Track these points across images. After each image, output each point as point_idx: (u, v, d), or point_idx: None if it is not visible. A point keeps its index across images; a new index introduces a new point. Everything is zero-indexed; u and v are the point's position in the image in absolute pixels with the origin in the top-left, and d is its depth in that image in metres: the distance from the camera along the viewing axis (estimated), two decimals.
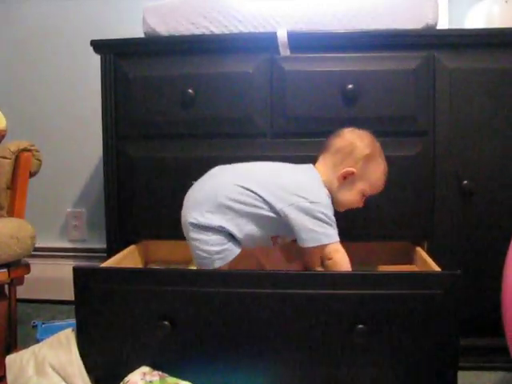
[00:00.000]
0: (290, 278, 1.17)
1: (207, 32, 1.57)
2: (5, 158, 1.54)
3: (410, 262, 1.54)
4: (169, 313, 1.19)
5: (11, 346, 1.52)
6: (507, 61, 1.48)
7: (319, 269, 1.40)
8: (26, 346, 1.35)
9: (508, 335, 1.16)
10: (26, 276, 1.54)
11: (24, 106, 2.21)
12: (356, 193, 1.37)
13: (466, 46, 1.49)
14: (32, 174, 1.61)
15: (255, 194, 1.28)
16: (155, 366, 1.20)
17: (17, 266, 1.49)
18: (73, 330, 1.27)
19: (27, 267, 1.53)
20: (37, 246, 1.55)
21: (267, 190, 1.29)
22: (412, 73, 1.49)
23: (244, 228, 1.29)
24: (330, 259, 1.28)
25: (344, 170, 1.35)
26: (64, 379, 1.21)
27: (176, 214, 1.54)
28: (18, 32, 2.20)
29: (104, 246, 1.64)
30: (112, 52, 1.57)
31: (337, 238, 1.28)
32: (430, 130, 1.50)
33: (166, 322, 1.18)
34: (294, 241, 1.32)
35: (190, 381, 1.18)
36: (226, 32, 1.56)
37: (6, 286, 1.52)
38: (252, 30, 1.55)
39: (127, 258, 1.51)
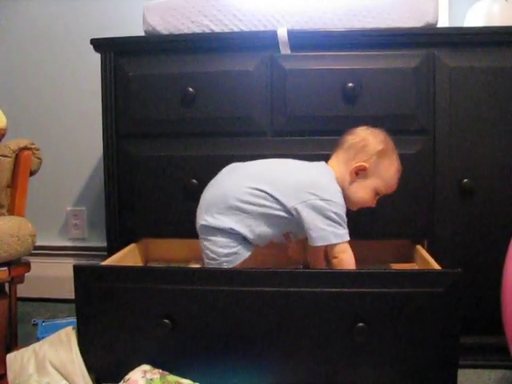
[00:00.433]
0: (291, 276, 1.17)
1: (207, 30, 1.57)
2: (5, 156, 1.54)
3: (410, 260, 1.54)
4: (169, 311, 1.19)
5: (12, 345, 1.53)
6: (507, 59, 1.48)
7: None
8: (26, 344, 1.35)
9: (508, 333, 1.16)
10: (26, 274, 1.54)
11: (24, 105, 2.22)
12: (368, 190, 1.35)
13: (466, 44, 1.49)
14: (32, 173, 1.60)
15: (266, 193, 1.28)
16: (156, 364, 1.20)
17: (17, 265, 1.49)
18: (73, 328, 1.28)
19: (27, 265, 1.53)
20: (37, 244, 1.55)
21: (279, 188, 1.29)
22: (412, 71, 1.49)
23: (256, 229, 1.29)
24: (335, 258, 1.28)
25: (356, 165, 1.34)
26: (64, 377, 1.21)
27: (176, 212, 1.55)
28: (16, 30, 2.20)
29: (104, 244, 1.64)
30: (112, 50, 1.57)
31: (346, 238, 1.28)
32: (429, 128, 1.50)
33: (167, 321, 1.18)
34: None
35: (190, 379, 1.18)
36: (227, 30, 1.56)
37: (7, 285, 1.52)
38: (252, 28, 1.55)
39: (127, 256, 1.51)
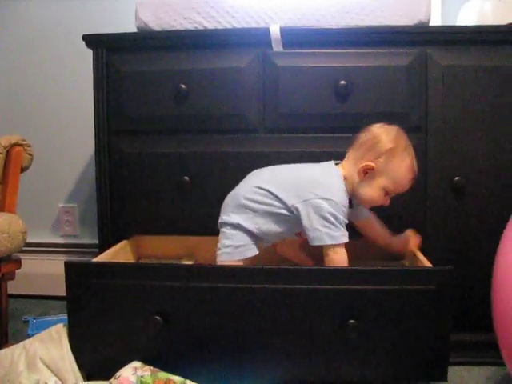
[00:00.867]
0: (282, 273, 1.18)
1: (200, 27, 1.57)
2: None
3: (402, 257, 1.55)
4: (161, 308, 1.19)
5: (2, 342, 1.52)
6: (499, 58, 1.48)
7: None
8: (17, 341, 1.34)
9: (498, 330, 1.17)
10: (17, 271, 1.54)
11: (15, 101, 2.20)
12: (377, 189, 1.33)
13: (458, 42, 1.49)
14: (23, 169, 1.60)
15: (269, 192, 1.32)
16: (147, 361, 1.21)
17: (8, 262, 1.48)
18: (64, 325, 1.27)
19: (18, 262, 1.52)
20: (28, 241, 1.55)
21: (283, 188, 1.32)
22: (404, 69, 1.49)
23: (263, 226, 1.32)
24: (326, 256, 1.28)
25: (363, 165, 1.32)
26: (55, 374, 1.21)
27: (168, 209, 1.54)
28: (6, 28, 2.19)
29: (96, 241, 1.64)
30: (104, 47, 1.56)
31: (342, 240, 1.27)
32: (422, 126, 1.50)
33: (158, 317, 1.18)
34: None
35: (181, 376, 1.18)
36: (219, 27, 1.56)
37: None
38: (245, 25, 1.55)
39: (119, 253, 1.51)
